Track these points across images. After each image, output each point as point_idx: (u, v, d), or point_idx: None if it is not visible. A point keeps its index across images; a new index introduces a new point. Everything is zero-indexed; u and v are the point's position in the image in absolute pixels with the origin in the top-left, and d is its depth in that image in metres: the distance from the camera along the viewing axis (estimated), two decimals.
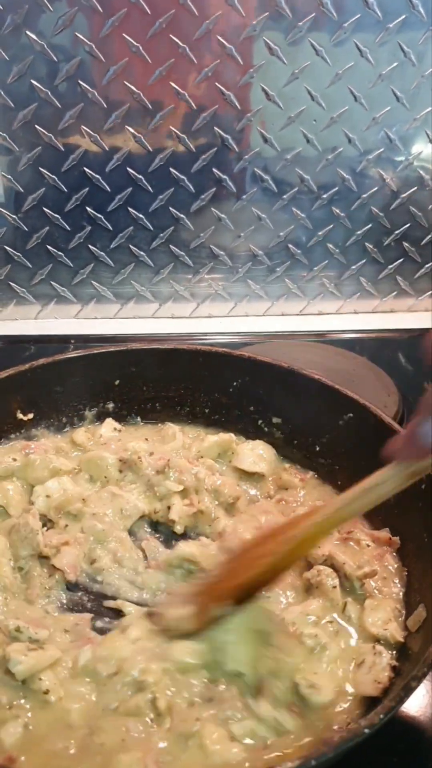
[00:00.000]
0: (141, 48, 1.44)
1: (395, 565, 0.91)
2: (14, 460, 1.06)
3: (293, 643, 0.78)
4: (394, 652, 0.80)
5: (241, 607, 0.76)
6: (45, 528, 0.96)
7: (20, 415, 1.15)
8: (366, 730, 0.62)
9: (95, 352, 1.19)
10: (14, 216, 1.58)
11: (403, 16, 1.48)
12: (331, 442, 1.11)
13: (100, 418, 1.20)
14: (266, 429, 1.19)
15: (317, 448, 1.13)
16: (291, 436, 1.16)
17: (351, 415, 1.06)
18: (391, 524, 0.97)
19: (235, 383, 1.20)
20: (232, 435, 1.14)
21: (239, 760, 0.68)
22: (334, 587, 0.84)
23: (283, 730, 0.71)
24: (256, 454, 1.11)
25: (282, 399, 1.16)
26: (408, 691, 0.65)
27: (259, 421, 1.20)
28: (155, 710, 0.70)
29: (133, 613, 0.85)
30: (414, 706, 0.83)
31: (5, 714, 0.71)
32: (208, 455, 1.12)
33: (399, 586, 0.88)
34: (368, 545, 0.93)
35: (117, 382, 1.22)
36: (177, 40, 1.44)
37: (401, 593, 0.87)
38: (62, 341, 1.67)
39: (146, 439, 1.14)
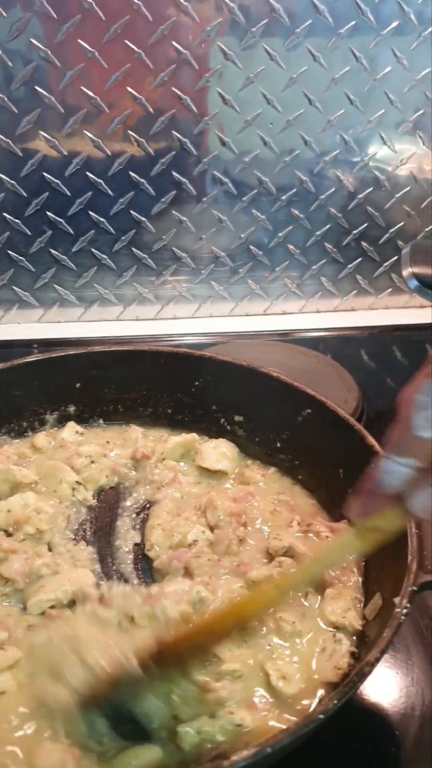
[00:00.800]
0: (97, 53, 1.45)
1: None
2: None
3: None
4: (354, 638, 0.82)
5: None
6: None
7: None
8: (320, 716, 0.63)
9: (55, 355, 1.19)
10: None
11: (353, 22, 1.52)
12: (291, 437, 1.13)
13: (62, 421, 1.20)
14: (229, 427, 1.20)
15: (278, 444, 1.14)
16: (253, 433, 1.18)
17: (309, 410, 1.08)
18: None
19: (197, 383, 1.21)
20: (195, 435, 1.16)
21: None
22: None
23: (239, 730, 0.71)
24: (219, 452, 1.12)
25: (243, 397, 1.18)
26: (362, 676, 0.67)
27: (222, 420, 1.21)
28: None
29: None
30: (375, 692, 0.85)
31: None
32: (171, 456, 1.13)
33: (357, 575, 0.90)
34: (327, 536, 0.95)
35: (78, 385, 1.22)
36: (132, 46, 1.46)
37: (360, 582, 0.90)
38: (25, 346, 1.66)
39: (107, 442, 1.15)
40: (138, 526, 1.03)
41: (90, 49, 1.44)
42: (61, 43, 1.43)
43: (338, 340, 1.75)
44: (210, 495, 1.01)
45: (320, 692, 0.77)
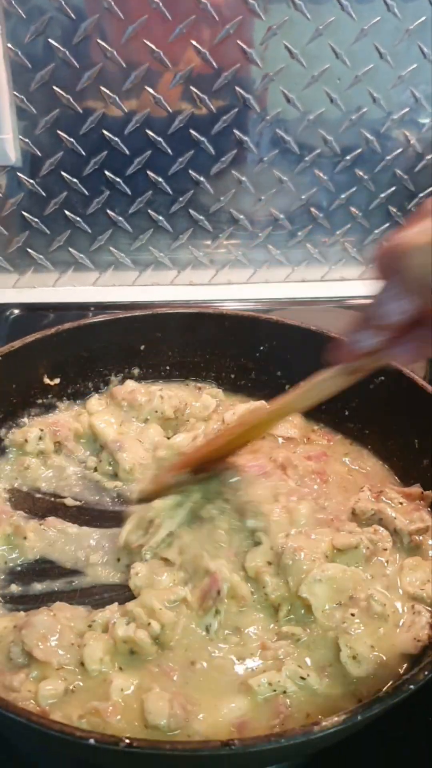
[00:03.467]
0: (161, 4, 1.40)
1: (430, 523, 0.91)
2: (40, 438, 1.07)
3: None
4: None
5: (197, 477, 0.90)
6: None
7: (47, 380, 1.15)
8: (411, 686, 0.62)
9: (121, 316, 1.18)
10: (32, 181, 1.56)
11: None
12: (360, 406, 1.10)
13: (125, 383, 1.19)
14: None
15: (346, 413, 1.12)
16: None
17: (382, 378, 1.05)
18: (422, 481, 0.97)
19: (261, 348, 1.19)
20: (263, 402, 1.13)
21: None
22: (386, 549, 0.83)
23: (308, 687, 0.73)
24: (287, 420, 1.10)
25: (310, 363, 1.12)
26: None
27: (287, 386, 1.18)
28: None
29: None
30: None
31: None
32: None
33: None
34: (401, 503, 0.93)
35: (142, 347, 1.21)
36: None
37: None
38: (81, 308, 1.65)
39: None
40: None
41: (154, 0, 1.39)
42: None
43: None
44: (285, 454, 0.99)
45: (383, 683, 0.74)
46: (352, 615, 0.77)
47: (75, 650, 0.75)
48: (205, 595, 0.79)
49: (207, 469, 0.92)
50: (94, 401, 1.15)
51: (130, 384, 1.16)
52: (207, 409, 1.15)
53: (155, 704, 0.70)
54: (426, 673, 0.63)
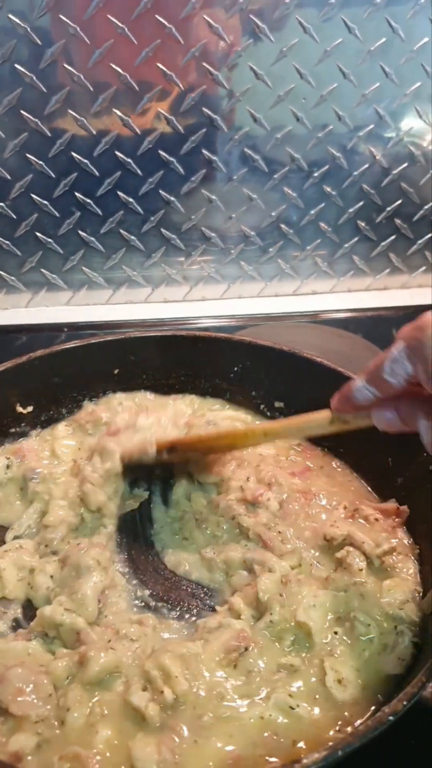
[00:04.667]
0: (127, 29, 1.41)
1: (408, 540, 0.92)
2: (8, 467, 1.05)
3: None
4: (416, 628, 0.81)
5: (173, 456, 0.98)
6: None
7: (20, 409, 1.14)
8: (390, 718, 0.63)
9: (93, 341, 1.17)
10: (2, 204, 1.56)
11: None
12: None
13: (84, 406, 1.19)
14: (269, 414, 1.19)
15: None
16: None
17: None
18: (397, 499, 0.99)
19: (236, 368, 1.20)
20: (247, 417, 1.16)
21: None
22: (361, 569, 0.84)
23: (295, 715, 0.73)
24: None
25: (284, 383, 1.16)
26: (430, 676, 0.66)
27: (261, 406, 1.20)
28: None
29: None
30: None
31: None
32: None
33: (415, 563, 0.89)
34: (377, 519, 0.94)
35: (116, 371, 1.21)
36: (163, 21, 1.41)
37: (417, 571, 0.89)
38: (54, 329, 1.65)
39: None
40: None
41: (120, 24, 1.40)
42: (91, 18, 1.39)
43: (370, 321, 1.73)
44: (272, 471, 1.01)
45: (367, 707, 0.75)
46: (336, 634, 0.78)
47: (54, 702, 0.73)
48: (230, 650, 0.78)
49: (185, 454, 1.00)
50: (62, 428, 1.15)
51: (88, 406, 1.16)
52: (182, 416, 1.15)
53: (143, 751, 0.68)
54: (404, 702, 0.64)
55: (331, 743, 0.61)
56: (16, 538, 0.98)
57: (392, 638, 0.78)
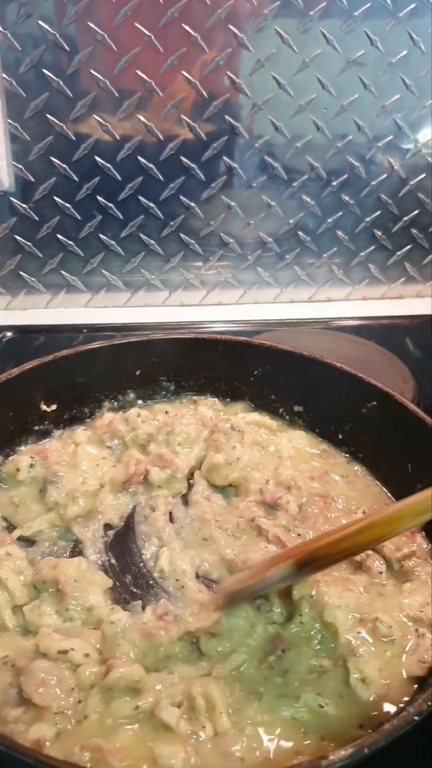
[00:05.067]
0: (153, 37, 1.43)
1: (426, 546, 0.94)
2: (31, 466, 1.06)
3: None
4: None
5: (301, 573, 0.76)
6: None
7: (44, 407, 1.16)
8: (415, 717, 0.64)
9: (117, 342, 1.19)
10: (24, 205, 1.58)
11: (413, 5, 1.49)
12: (353, 430, 1.13)
13: (124, 407, 1.22)
14: (288, 417, 1.21)
15: (340, 436, 1.15)
16: (313, 424, 1.18)
17: (375, 403, 1.08)
18: None
19: (255, 372, 1.22)
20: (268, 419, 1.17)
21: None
22: (381, 572, 0.86)
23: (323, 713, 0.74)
24: (293, 446, 1.13)
25: (303, 387, 1.18)
26: None
27: (281, 410, 1.21)
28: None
29: None
30: None
31: None
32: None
33: None
34: None
35: (138, 372, 1.23)
36: (189, 29, 1.44)
37: None
38: (73, 330, 1.67)
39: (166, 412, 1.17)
40: None
41: (146, 32, 1.43)
42: (118, 26, 1.41)
43: (384, 329, 1.74)
44: (291, 473, 1.03)
45: (390, 706, 0.76)
46: (359, 634, 0.80)
47: (75, 697, 0.74)
48: (266, 654, 0.80)
49: (312, 566, 0.76)
50: (80, 432, 1.16)
51: (107, 415, 1.17)
52: (204, 419, 1.16)
53: (166, 748, 0.69)
54: (429, 703, 0.65)
55: (357, 740, 0.62)
56: (20, 538, 0.98)
57: (414, 640, 0.80)
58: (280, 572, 0.76)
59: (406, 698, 0.76)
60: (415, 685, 0.78)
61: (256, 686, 0.77)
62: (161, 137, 1.55)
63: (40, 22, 1.39)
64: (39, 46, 1.41)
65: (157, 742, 0.70)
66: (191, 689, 0.74)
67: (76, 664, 0.77)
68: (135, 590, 0.93)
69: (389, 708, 0.75)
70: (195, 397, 1.24)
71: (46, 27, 1.39)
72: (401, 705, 0.74)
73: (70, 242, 1.65)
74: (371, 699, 0.75)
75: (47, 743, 0.70)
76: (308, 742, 0.72)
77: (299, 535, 0.96)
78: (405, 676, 0.78)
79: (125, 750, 0.70)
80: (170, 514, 1.04)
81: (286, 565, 0.76)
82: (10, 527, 1.01)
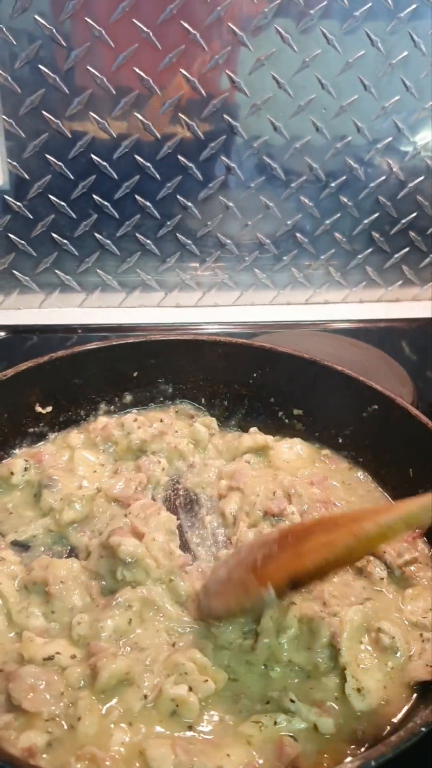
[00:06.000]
0: (151, 34, 1.42)
1: (429, 551, 0.93)
2: (26, 470, 1.04)
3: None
4: None
5: (286, 594, 0.74)
6: None
7: (39, 408, 1.14)
8: (422, 729, 0.63)
9: (114, 343, 1.17)
10: (19, 203, 1.55)
11: (414, 6, 1.48)
12: (354, 434, 1.11)
13: (120, 410, 1.19)
14: (287, 421, 1.19)
15: (340, 440, 1.13)
16: (312, 428, 1.17)
17: (376, 407, 1.07)
18: None
19: (254, 374, 1.20)
20: (268, 438, 1.13)
21: None
22: (382, 579, 0.84)
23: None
24: (294, 452, 1.11)
25: (303, 390, 1.16)
26: None
27: (280, 413, 1.20)
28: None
29: None
30: None
31: None
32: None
33: None
34: None
35: (135, 374, 1.21)
36: (188, 27, 1.42)
37: None
38: (67, 331, 1.65)
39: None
40: None
41: (145, 29, 1.41)
42: (116, 22, 1.39)
43: (381, 332, 1.73)
44: (290, 479, 1.01)
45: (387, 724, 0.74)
46: (361, 644, 0.78)
47: (65, 702, 0.73)
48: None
49: (299, 586, 0.73)
50: (74, 435, 1.14)
51: (102, 419, 1.15)
52: (200, 436, 1.14)
53: (158, 751, 0.68)
54: None
55: (360, 752, 0.61)
56: (15, 543, 0.96)
57: (419, 645, 0.78)
58: (266, 594, 0.72)
59: (406, 707, 0.75)
60: (414, 695, 0.76)
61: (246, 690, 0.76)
62: (158, 136, 1.53)
63: (37, 17, 1.36)
64: (35, 42, 1.38)
65: (149, 742, 0.70)
66: (175, 659, 0.75)
67: (63, 666, 0.76)
68: None
69: (385, 719, 0.74)
70: (192, 411, 1.22)
71: (43, 22, 1.37)
72: (400, 717, 0.73)
73: (65, 241, 1.62)
74: (366, 709, 0.74)
75: (43, 755, 0.69)
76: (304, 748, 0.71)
77: None
78: (403, 686, 0.76)
79: (118, 755, 0.69)
80: None
81: (269, 590, 0.71)
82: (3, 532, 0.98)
